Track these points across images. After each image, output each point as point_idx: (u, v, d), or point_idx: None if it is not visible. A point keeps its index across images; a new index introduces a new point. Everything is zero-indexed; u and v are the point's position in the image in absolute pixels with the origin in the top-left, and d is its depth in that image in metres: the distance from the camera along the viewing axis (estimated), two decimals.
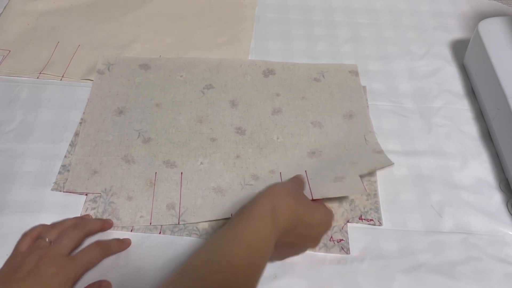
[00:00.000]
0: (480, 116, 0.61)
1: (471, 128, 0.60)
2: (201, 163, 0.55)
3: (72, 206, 0.51)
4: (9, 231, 0.48)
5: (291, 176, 0.50)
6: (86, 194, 0.52)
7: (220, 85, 0.62)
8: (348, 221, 0.51)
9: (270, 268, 0.47)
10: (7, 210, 0.50)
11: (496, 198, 0.54)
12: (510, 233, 0.51)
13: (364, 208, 0.52)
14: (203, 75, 0.63)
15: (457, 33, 0.72)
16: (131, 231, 0.50)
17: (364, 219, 0.51)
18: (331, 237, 0.50)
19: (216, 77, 0.63)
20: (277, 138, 0.57)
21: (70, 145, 0.56)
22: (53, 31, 0.68)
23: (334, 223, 0.51)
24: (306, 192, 0.50)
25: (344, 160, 0.54)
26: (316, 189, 0.50)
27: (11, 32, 0.67)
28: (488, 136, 0.59)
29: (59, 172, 0.53)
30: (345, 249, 0.49)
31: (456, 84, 0.65)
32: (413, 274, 0.48)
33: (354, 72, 0.65)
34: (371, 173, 0.54)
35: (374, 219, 0.51)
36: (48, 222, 0.49)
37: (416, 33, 0.72)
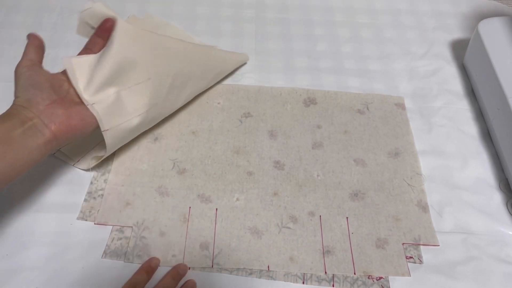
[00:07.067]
0: (480, 116, 0.61)
1: (471, 128, 0.60)
2: (237, 199, 0.52)
3: (72, 207, 0.51)
4: (9, 231, 0.48)
5: (331, 220, 0.50)
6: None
7: (258, 114, 0.59)
8: None
9: None
10: (7, 210, 0.50)
11: (496, 198, 0.54)
12: (510, 233, 0.51)
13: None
14: (241, 102, 0.60)
15: (457, 33, 0.71)
16: None
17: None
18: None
19: (254, 105, 0.60)
20: (317, 176, 0.54)
21: (95, 171, 0.53)
22: None
23: None
24: (347, 262, 0.48)
25: (388, 212, 0.52)
26: (358, 257, 0.48)
27: None
28: (488, 136, 0.59)
29: (85, 200, 0.51)
30: None
31: (456, 84, 0.65)
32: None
33: (401, 105, 0.61)
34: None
35: (413, 257, 0.49)
36: (48, 222, 0.49)
37: (416, 33, 0.72)
